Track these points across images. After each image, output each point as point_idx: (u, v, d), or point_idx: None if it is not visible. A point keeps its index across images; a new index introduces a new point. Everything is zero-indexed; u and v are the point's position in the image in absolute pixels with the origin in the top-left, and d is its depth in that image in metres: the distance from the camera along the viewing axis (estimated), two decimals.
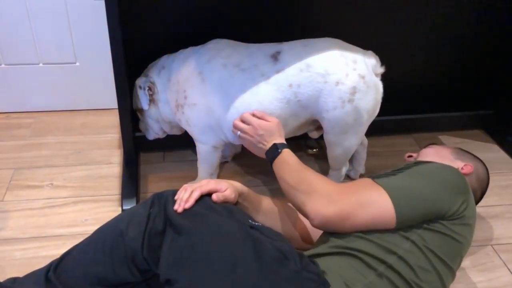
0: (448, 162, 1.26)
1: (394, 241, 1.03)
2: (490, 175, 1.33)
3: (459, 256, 1.11)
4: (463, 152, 1.34)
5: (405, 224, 1.04)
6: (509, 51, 1.85)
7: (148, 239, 1.01)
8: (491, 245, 1.49)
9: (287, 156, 1.26)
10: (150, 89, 1.48)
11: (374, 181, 1.08)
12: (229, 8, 1.56)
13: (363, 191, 1.06)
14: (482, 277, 1.39)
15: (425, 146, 1.41)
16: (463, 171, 1.24)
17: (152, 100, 1.50)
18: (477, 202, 1.31)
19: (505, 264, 1.43)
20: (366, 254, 1.02)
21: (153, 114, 1.54)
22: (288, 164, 1.23)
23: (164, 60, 1.48)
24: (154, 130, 1.61)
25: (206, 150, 1.49)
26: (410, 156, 1.41)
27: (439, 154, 1.32)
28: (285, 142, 1.31)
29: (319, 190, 1.08)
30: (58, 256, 1.10)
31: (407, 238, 1.03)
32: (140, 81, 1.49)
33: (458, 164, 1.27)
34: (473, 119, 2.03)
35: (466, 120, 2.03)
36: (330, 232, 1.09)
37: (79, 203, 1.57)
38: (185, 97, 1.39)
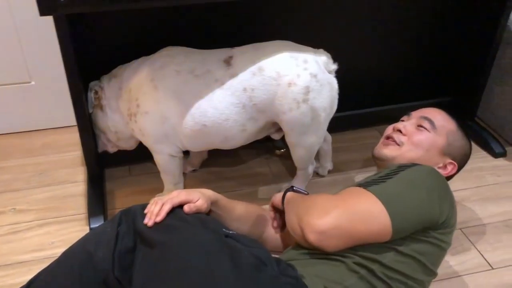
0: (435, 159, 1.24)
1: (379, 250, 1.02)
2: None
3: (441, 260, 1.12)
4: (456, 144, 1.27)
5: (399, 237, 1.02)
6: (464, 38, 1.89)
7: (119, 258, 0.98)
8: (460, 229, 1.53)
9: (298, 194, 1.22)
10: (96, 92, 1.45)
11: (368, 191, 1.03)
12: (180, 17, 1.54)
13: (360, 204, 1.01)
14: (454, 261, 1.41)
15: (420, 123, 1.27)
16: (445, 171, 1.23)
17: (99, 106, 1.47)
18: None
19: (475, 246, 1.47)
20: (347, 258, 1.01)
21: (100, 122, 1.51)
22: (298, 196, 1.18)
23: (117, 69, 1.47)
24: (101, 139, 1.58)
25: (164, 160, 1.47)
26: (399, 131, 1.29)
27: (430, 149, 1.24)
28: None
29: (315, 205, 1.02)
30: (24, 283, 1.06)
31: (393, 248, 1.02)
32: (91, 84, 1.47)
33: (444, 160, 1.24)
34: (433, 107, 2.07)
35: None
36: (326, 252, 1.02)
37: (44, 226, 1.52)
38: (138, 105, 1.37)
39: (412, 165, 1.16)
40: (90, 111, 1.48)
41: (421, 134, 1.25)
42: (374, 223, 0.99)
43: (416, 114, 1.32)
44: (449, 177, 1.27)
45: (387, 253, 1.02)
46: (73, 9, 1.11)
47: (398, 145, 1.27)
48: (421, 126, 1.27)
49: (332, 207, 0.99)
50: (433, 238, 1.06)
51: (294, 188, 1.21)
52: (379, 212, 0.99)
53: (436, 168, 1.21)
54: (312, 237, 0.97)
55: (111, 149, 1.61)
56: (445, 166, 1.24)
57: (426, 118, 1.28)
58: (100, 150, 1.61)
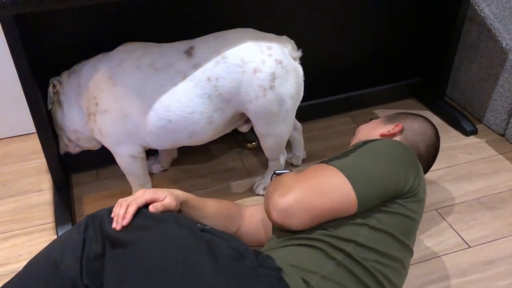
0: (378, 129, 1.28)
1: (352, 229, 1.01)
2: None
3: (413, 233, 1.11)
4: (395, 115, 1.33)
5: (365, 207, 1.01)
6: (430, 17, 1.89)
7: (87, 265, 0.94)
8: (436, 209, 1.52)
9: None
10: (54, 86, 1.39)
11: (330, 165, 1.04)
12: (138, 10, 1.49)
13: (322, 177, 1.02)
14: (431, 242, 1.41)
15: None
16: (392, 131, 1.24)
17: (57, 102, 1.42)
18: (429, 162, 1.30)
19: (451, 226, 1.46)
20: (324, 242, 0.99)
21: (58, 119, 1.45)
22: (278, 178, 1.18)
23: (77, 65, 1.41)
24: (62, 140, 1.51)
25: (125, 161, 1.42)
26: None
27: (367, 128, 1.33)
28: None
29: (280, 185, 1.03)
30: None
31: (365, 224, 1.01)
32: (52, 79, 1.41)
33: (388, 127, 1.27)
34: (404, 89, 2.08)
35: (398, 91, 2.07)
36: (290, 231, 1.02)
37: (10, 239, 1.46)
38: (96, 104, 1.32)
39: (375, 140, 1.17)
40: (49, 107, 1.42)
41: (360, 126, 1.38)
42: (335, 193, 0.99)
43: None
44: (425, 162, 1.27)
45: (361, 231, 1.01)
46: (18, 9, 1.04)
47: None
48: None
49: (293, 184, 1.01)
50: (401, 208, 1.05)
51: (276, 172, 1.21)
52: (340, 182, 1.00)
53: (383, 132, 1.26)
54: (275, 215, 0.99)
55: (73, 150, 1.54)
56: (392, 129, 1.26)
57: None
58: (61, 151, 1.54)
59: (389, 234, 1.03)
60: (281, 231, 1.07)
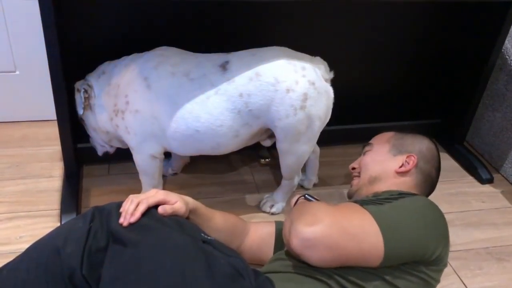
0: (390, 163, 1.23)
1: (364, 276, 0.97)
2: (439, 183, 1.29)
3: None
4: (400, 141, 1.28)
5: (388, 264, 0.96)
6: (458, 61, 1.89)
7: (88, 256, 0.93)
8: None
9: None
10: (86, 91, 1.40)
11: (365, 210, 0.97)
12: (175, 19, 1.51)
13: (356, 219, 0.95)
14: None
15: (363, 152, 1.34)
16: (407, 167, 1.20)
17: (88, 105, 1.42)
18: (437, 181, 1.28)
19: (455, 272, 1.43)
20: (331, 279, 0.96)
21: (91, 122, 1.46)
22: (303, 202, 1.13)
23: (105, 66, 1.41)
24: (97, 142, 1.52)
25: (144, 160, 1.41)
26: (354, 168, 1.34)
27: (376, 160, 1.27)
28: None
29: (309, 212, 0.96)
30: None
31: (379, 276, 0.97)
32: (78, 84, 1.42)
33: (400, 159, 1.23)
34: (422, 128, 2.05)
35: (416, 129, 2.02)
36: (308, 263, 0.96)
37: (14, 219, 1.46)
38: (127, 102, 1.32)
39: (412, 194, 1.13)
40: (80, 112, 1.41)
41: (365, 156, 1.32)
42: (365, 242, 0.93)
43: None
44: (436, 170, 1.25)
45: (373, 281, 0.96)
46: None
47: (358, 177, 1.31)
48: (365, 153, 1.34)
49: (324, 216, 0.93)
50: (422, 273, 1.01)
51: (307, 196, 1.15)
52: (373, 232, 0.93)
53: (398, 169, 1.21)
54: (295, 243, 0.91)
55: (110, 150, 1.55)
56: (406, 163, 1.22)
57: (365, 145, 1.37)
58: (100, 153, 1.56)
59: None
60: (285, 256, 1.06)
